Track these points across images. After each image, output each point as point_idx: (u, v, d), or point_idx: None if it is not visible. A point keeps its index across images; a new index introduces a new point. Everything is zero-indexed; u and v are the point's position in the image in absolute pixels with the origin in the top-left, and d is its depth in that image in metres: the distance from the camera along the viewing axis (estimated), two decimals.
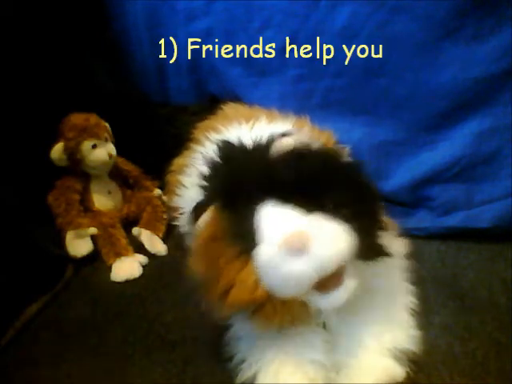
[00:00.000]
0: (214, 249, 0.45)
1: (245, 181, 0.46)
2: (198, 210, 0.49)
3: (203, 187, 0.53)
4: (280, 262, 0.40)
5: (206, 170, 0.54)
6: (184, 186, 0.65)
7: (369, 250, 0.44)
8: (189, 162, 0.68)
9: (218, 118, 0.77)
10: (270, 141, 0.50)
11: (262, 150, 0.50)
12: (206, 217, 0.47)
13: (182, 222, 0.66)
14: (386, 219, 0.50)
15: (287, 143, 0.49)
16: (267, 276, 0.42)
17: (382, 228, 0.48)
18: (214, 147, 0.56)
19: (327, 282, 0.41)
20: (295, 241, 0.40)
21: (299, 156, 0.48)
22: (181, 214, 0.66)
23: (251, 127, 0.65)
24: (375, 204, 0.49)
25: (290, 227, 0.41)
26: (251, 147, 0.51)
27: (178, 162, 0.75)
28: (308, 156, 0.48)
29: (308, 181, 0.45)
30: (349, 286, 0.43)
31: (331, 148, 0.50)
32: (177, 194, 0.67)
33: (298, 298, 0.43)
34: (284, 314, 0.44)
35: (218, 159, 0.52)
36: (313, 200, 0.43)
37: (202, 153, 0.63)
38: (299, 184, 0.44)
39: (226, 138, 0.58)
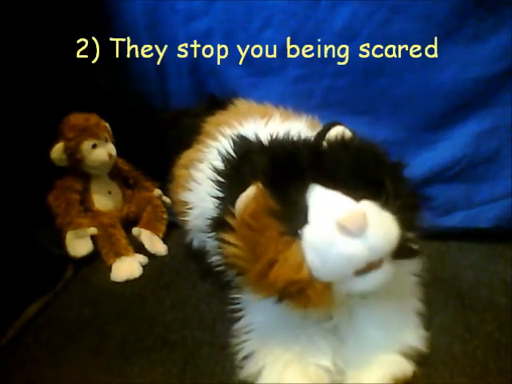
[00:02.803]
0: (257, 225, 0.44)
1: (294, 160, 0.45)
2: (239, 186, 0.47)
3: (241, 166, 0.50)
4: (334, 241, 0.40)
5: (222, 163, 0.53)
6: (196, 180, 0.65)
7: (403, 249, 0.44)
8: (201, 156, 0.66)
9: (231, 113, 0.75)
10: (325, 129, 0.50)
11: (313, 136, 0.50)
12: (248, 193, 0.45)
13: (190, 216, 0.66)
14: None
15: (339, 131, 0.49)
16: (316, 256, 0.41)
17: (417, 230, 0.47)
18: (229, 142, 0.55)
19: (368, 265, 0.41)
20: (355, 220, 0.39)
21: (350, 144, 0.47)
22: (189, 208, 0.66)
23: (266, 124, 0.64)
24: (417, 205, 0.48)
25: (349, 207, 0.41)
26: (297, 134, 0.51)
27: (188, 155, 0.73)
28: (359, 146, 0.48)
29: (360, 169, 0.44)
30: (387, 269, 0.42)
31: (376, 143, 0.50)
32: (187, 189, 0.67)
33: (338, 283, 0.42)
34: (321, 299, 0.43)
35: (260, 142, 0.52)
36: (363, 188, 0.43)
37: (216, 148, 0.61)
38: (351, 171, 0.44)
39: (243, 134, 0.57)
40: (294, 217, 0.43)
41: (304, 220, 0.43)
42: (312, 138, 0.51)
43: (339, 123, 0.51)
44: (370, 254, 0.40)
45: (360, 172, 0.44)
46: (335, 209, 0.41)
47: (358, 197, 0.42)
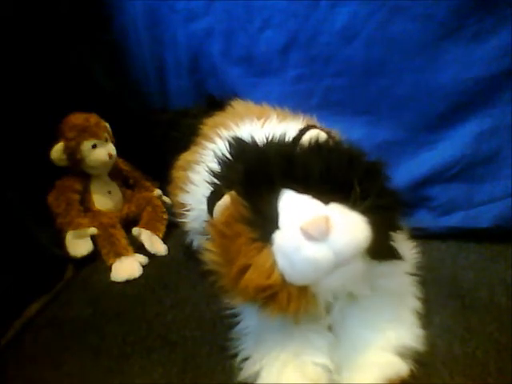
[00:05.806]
0: (230, 232, 0.45)
1: (265, 168, 0.46)
2: (215, 195, 0.49)
3: (218, 174, 0.52)
4: (300, 246, 0.40)
5: (217, 164, 0.54)
6: (193, 183, 0.65)
7: (381, 248, 0.44)
8: (198, 158, 0.67)
9: (228, 114, 0.75)
10: (300, 134, 0.50)
11: (287, 140, 0.51)
12: (222, 202, 0.47)
13: (188, 218, 0.66)
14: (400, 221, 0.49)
15: (313, 135, 0.49)
16: (285, 261, 0.42)
17: (397, 229, 0.48)
18: (225, 144, 0.56)
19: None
20: (317, 225, 0.40)
21: (323, 148, 0.48)
22: (187, 210, 0.66)
23: (262, 125, 0.64)
24: (394, 204, 0.48)
25: (312, 213, 0.42)
26: (275, 138, 0.51)
27: (185, 157, 0.73)
28: (331, 149, 0.48)
29: (329, 172, 0.45)
30: (354, 265, 0.42)
31: (354, 145, 0.50)
32: (184, 191, 0.67)
33: (311, 286, 0.43)
34: (297, 302, 0.43)
35: (236, 149, 0.53)
36: (333, 191, 0.44)
37: (212, 150, 0.62)
38: (320, 175, 0.44)
39: (238, 136, 0.57)
40: (265, 223, 0.44)
41: (275, 226, 0.43)
42: (284, 143, 0.51)
43: (314, 126, 0.51)
44: (336, 257, 0.40)
45: (330, 175, 0.45)
46: (300, 214, 0.42)
47: (327, 200, 0.43)
